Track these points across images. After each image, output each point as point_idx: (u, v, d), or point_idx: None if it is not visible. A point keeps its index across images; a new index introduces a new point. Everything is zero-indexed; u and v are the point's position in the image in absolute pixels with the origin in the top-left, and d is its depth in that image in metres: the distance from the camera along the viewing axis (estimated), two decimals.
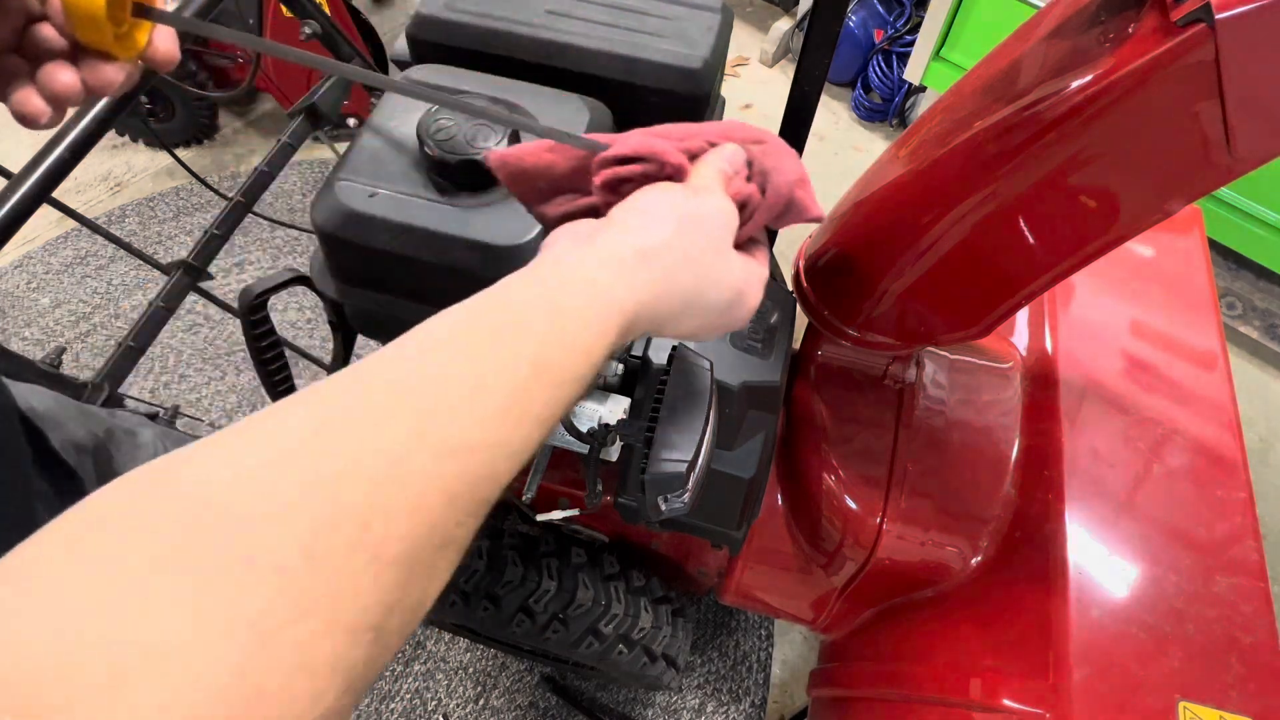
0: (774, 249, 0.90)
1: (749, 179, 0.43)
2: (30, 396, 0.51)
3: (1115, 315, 0.98)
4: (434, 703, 1.34)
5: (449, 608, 0.91)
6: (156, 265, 0.93)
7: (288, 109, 0.94)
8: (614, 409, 0.61)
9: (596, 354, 0.30)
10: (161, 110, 1.99)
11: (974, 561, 0.85)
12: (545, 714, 1.35)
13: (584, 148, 0.43)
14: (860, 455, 0.88)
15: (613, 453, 0.63)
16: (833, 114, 2.28)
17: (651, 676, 1.04)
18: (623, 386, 0.64)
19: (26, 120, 0.39)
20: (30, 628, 0.17)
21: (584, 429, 0.58)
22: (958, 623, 0.83)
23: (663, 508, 0.68)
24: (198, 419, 1.60)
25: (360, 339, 0.71)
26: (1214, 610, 0.73)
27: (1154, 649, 0.71)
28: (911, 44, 1.94)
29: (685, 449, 0.72)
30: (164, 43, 0.40)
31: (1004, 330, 1.00)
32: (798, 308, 0.81)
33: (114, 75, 0.40)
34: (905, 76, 1.99)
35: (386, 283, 0.60)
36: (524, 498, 0.67)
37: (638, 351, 0.62)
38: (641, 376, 0.63)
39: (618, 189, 0.42)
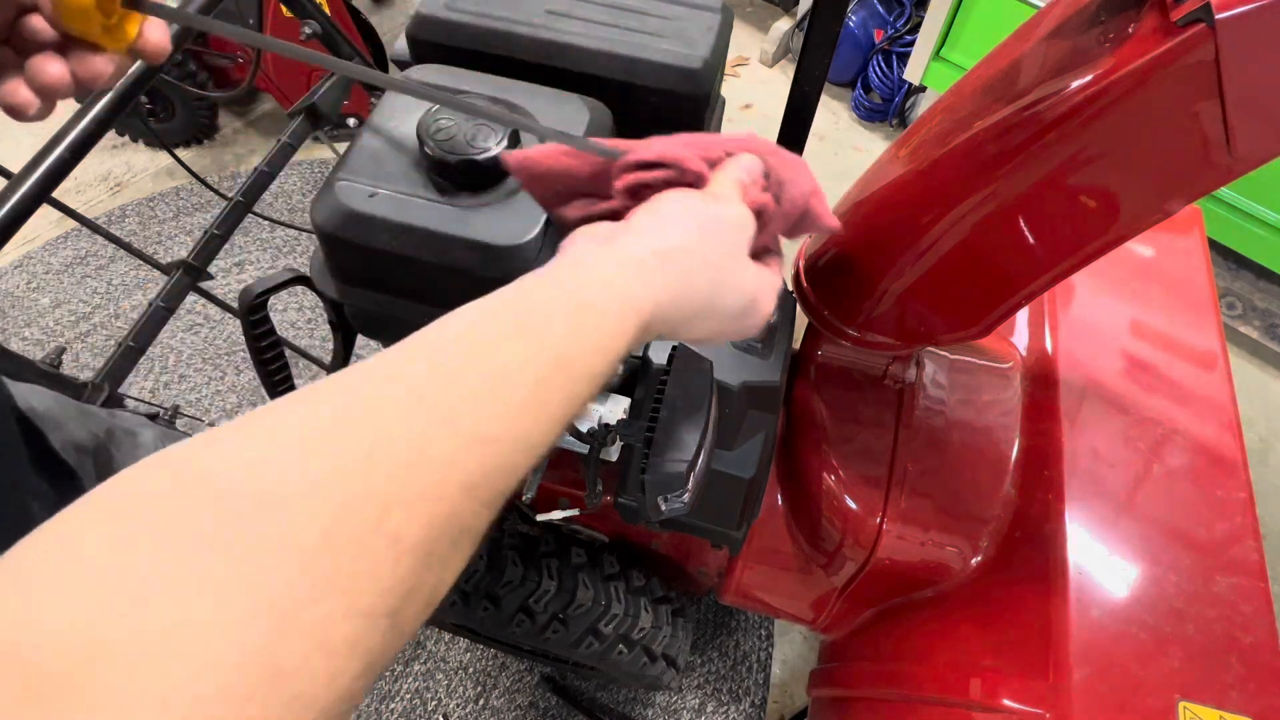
0: None
1: (765, 189, 0.44)
2: (30, 396, 0.51)
3: (1115, 315, 0.98)
4: (434, 703, 1.34)
5: (449, 608, 0.91)
6: (156, 265, 0.93)
7: (288, 109, 0.94)
8: (614, 409, 0.61)
9: (614, 353, 0.31)
10: (161, 110, 1.99)
11: (974, 561, 0.85)
12: (545, 714, 1.35)
13: (601, 154, 0.43)
14: (860, 455, 0.88)
15: (613, 453, 0.63)
16: (833, 114, 2.28)
17: (651, 676, 1.04)
18: (623, 386, 0.65)
19: (15, 112, 0.39)
20: (55, 602, 0.17)
21: (584, 429, 0.58)
22: (958, 623, 0.83)
23: (663, 508, 0.69)
24: (198, 419, 1.60)
25: (360, 339, 0.71)
26: (1214, 610, 0.73)
27: (1154, 649, 0.71)
28: (911, 44, 1.94)
29: (685, 449, 0.72)
30: (155, 34, 0.40)
31: (1004, 330, 1.00)
32: (798, 308, 0.81)
33: (103, 67, 0.40)
34: (905, 76, 1.99)
35: (386, 283, 0.60)
36: (524, 498, 0.67)
37: (638, 352, 0.62)
38: (641, 376, 0.63)
39: (638, 194, 0.42)
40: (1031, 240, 0.59)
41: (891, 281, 0.69)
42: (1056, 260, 0.60)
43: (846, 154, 2.19)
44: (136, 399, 0.97)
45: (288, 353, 0.69)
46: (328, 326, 0.69)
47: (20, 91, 0.39)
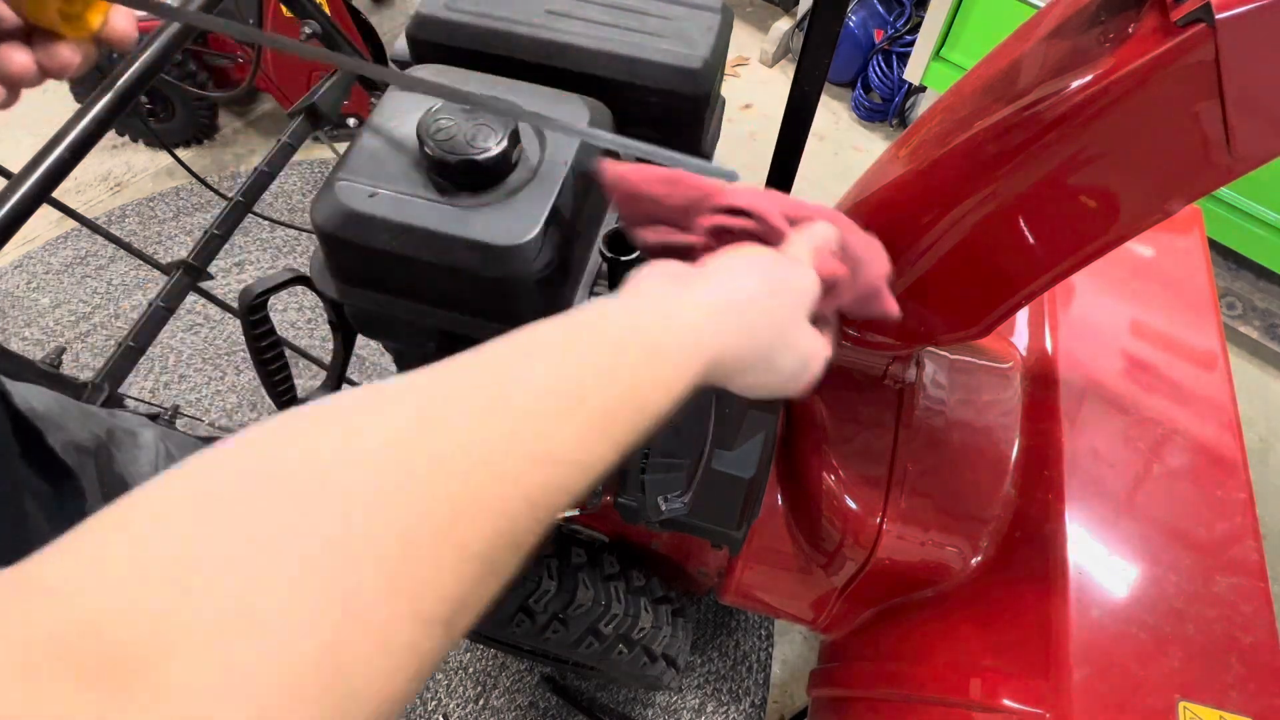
0: None
1: (840, 259, 0.46)
2: (31, 396, 0.51)
3: (1115, 315, 0.98)
4: (434, 703, 1.34)
5: None
6: (156, 265, 0.93)
7: (288, 109, 0.94)
8: None
9: (677, 391, 0.32)
10: (161, 110, 1.99)
11: (974, 561, 0.85)
12: (545, 714, 1.35)
13: (688, 169, 0.45)
14: (860, 455, 0.88)
15: None
16: (833, 114, 2.28)
17: (651, 676, 1.04)
18: None
19: None
20: (133, 585, 0.18)
21: None
22: (958, 623, 0.83)
23: (663, 508, 0.69)
24: (198, 419, 1.60)
25: (360, 339, 0.71)
26: (1214, 610, 0.73)
27: (1154, 649, 0.71)
28: (911, 44, 1.94)
29: (685, 450, 0.72)
30: (120, 23, 0.40)
31: (1004, 330, 1.00)
32: None
33: (69, 57, 0.40)
34: (905, 76, 1.99)
35: (386, 283, 0.60)
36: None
37: None
38: None
39: (719, 236, 0.44)
40: (1031, 240, 0.59)
41: (891, 281, 0.69)
42: (1056, 260, 0.60)
43: (846, 154, 2.19)
44: (136, 399, 0.98)
45: (288, 353, 0.69)
46: (328, 326, 0.69)
47: None
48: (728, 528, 0.78)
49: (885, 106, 2.18)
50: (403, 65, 0.68)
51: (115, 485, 0.54)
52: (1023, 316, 1.01)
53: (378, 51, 1.99)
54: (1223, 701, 0.67)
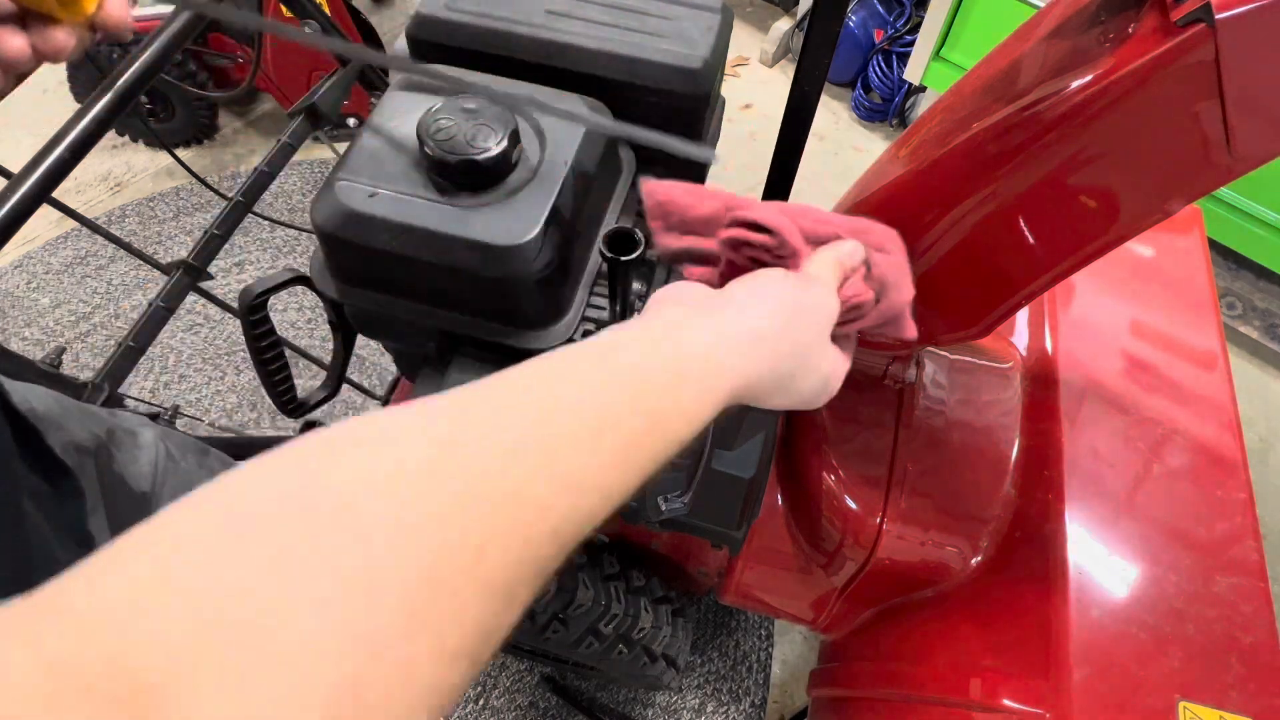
0: None
1: (866, 279, 0.46)
2: (30, 396, 0.51)
3: (1115, 315, 0.98)
4: None
5: None
6: (156, 265, 0.93)
7: (288, 109, 0.94)
8: None
9: (699, 421, 0.32)
10: (161, 110, 1.99)
11: (974, 561, 0.85)
12: (545, 714, 1.35)
13: (683, 154, 0.45)
14: (860, 455, 0.88)
15: None
16: (833, 114, 2.28)
17: (651, 676, 1.04)
18: None
19: None
20: (158, 613, 0.17)
21: None
22: (958, 623, 0.83)
23: (663, 508, 0.68)
24: (198, 419, 1.60)
25: (360, 339, 0.71)
26: (1214, 610, 0.73)
27: (1154, 649, 0.71)
28: (911, 44, 1.94)
29: (685, 450, 0.72)
30: (114, 7, 0.41)
31: (1004, 330, 1.00)
32: None
33: (64, 41, 0.40)
34: (905, 76, 1.99)
35: (386, 283, 0.60)
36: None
37: None
38: None
39: (737, 248, 0.44)
40: (1031, 240, 0.59)
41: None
42: (1056, 260, 0.60)
43: (846, 154, 2.19)
44: (136, 399, 0.98)
45: (288, 353, 0.69)
46: (328, 326, 0.69)
47: None
48: (728, 528, 0.78)
49: (885, 106, 2.18)
50: None
51: (115, 485, 0.54)
52: (1023, 316, 1.01)
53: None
54: (1223, 701, 0.67)
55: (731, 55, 1.35)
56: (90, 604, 0.18)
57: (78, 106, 0.62)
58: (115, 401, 0.73)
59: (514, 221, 0.55)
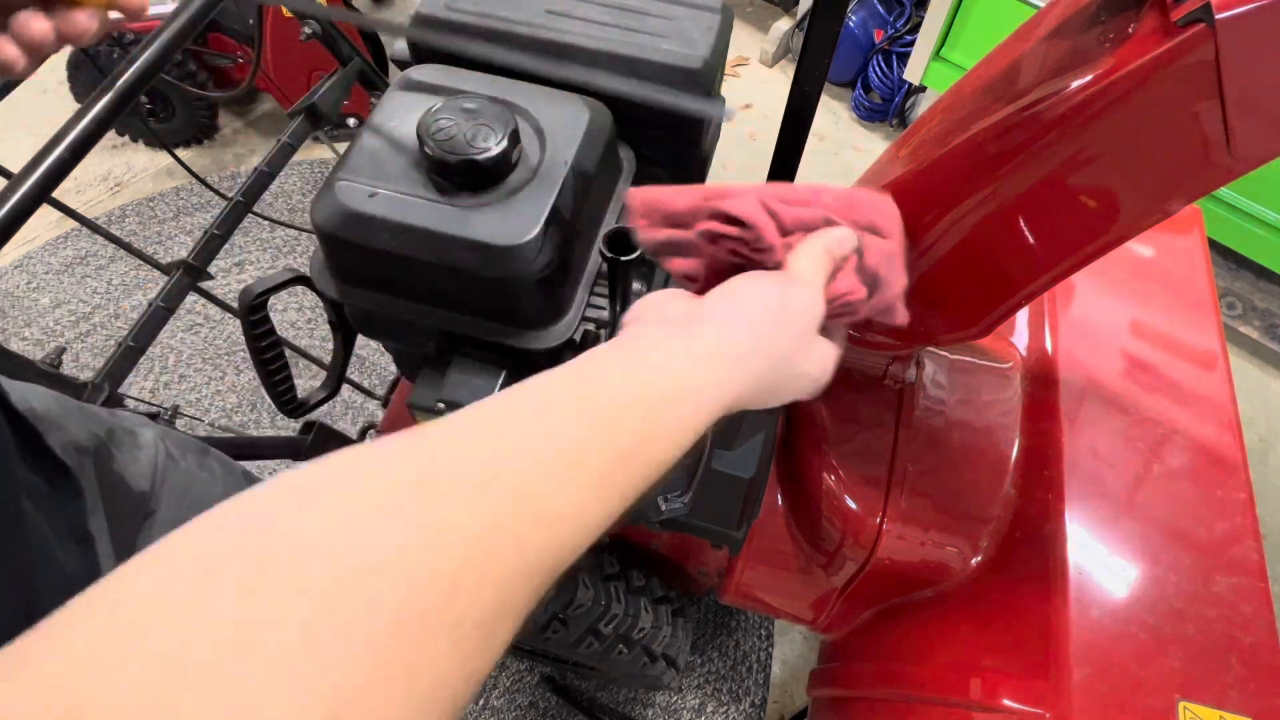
0: None
1: (858, 268, 0.44)
2: (30, 396, 0.51)
3: (1115, 315, 0.98)
4: None
5: None
6: (156, 265, 0.93)
7: (288, 109, 0.94)
8: None
9: (683, 444, 0.32)
10: (161, 110, 1.99)
11: (974, 561, 0.85)
12: (545, 714, 1.35)
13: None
14: (860, 455, 0.88)
15: None
16: (833, 114, 2.28)
17: (651, 676, 1.04)
18: None
19: (2, 68, 0.41)
20: (117, 674, 0.17)
21: None
22: (958, 623, 0.83)
23: (663, 508, 0.69)
24: (198, 419, 1.60)
25: (360, 339, 0.71)
26: (1214, 610, 0.73)
27: (1154, 649, 0.71)
28: (911, 44, 1.94)
29: None
30: None
31: (1004, 330, 1.00)
32: None
33: (87, 24, 0.41)
34: (905, 76, 1.99)
35: (386, 283, 0.60)
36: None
37: None
38: None
39: (715, 241, 0.43)
40: (1031, 240, 0.59)
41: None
42: (1056, 260, 0.60)
43: (846, 154, 2.19)
44: (136, 399, 0.97)
45: (288, 353, 0.69)
46: (328, 326, 0.69)
47: (6, 49, 0.41)
48: (728, 528, 0.78)
49: (885, 106, 2.18)
50: (403, 65, 0.68)
51: (115, 485, 0.54)
52: (1023, 316, 1.01)
53: (378, 51, 2.00)
54: (1223, 701, 0.67)
55: (731, 55, 1.36)
56: (51, 660, 0.17)
57: (78, 106, 0.62)
58: (115, 401, 0.73)
59: (514, 221, 0.55)
